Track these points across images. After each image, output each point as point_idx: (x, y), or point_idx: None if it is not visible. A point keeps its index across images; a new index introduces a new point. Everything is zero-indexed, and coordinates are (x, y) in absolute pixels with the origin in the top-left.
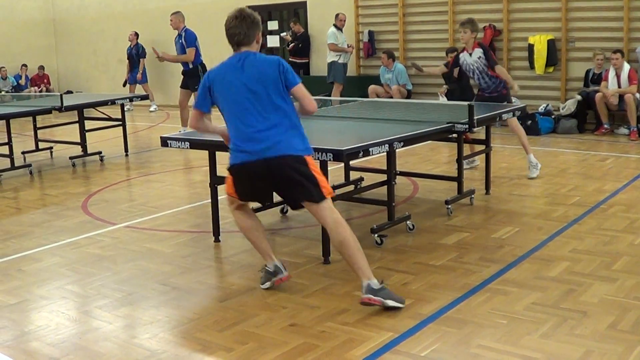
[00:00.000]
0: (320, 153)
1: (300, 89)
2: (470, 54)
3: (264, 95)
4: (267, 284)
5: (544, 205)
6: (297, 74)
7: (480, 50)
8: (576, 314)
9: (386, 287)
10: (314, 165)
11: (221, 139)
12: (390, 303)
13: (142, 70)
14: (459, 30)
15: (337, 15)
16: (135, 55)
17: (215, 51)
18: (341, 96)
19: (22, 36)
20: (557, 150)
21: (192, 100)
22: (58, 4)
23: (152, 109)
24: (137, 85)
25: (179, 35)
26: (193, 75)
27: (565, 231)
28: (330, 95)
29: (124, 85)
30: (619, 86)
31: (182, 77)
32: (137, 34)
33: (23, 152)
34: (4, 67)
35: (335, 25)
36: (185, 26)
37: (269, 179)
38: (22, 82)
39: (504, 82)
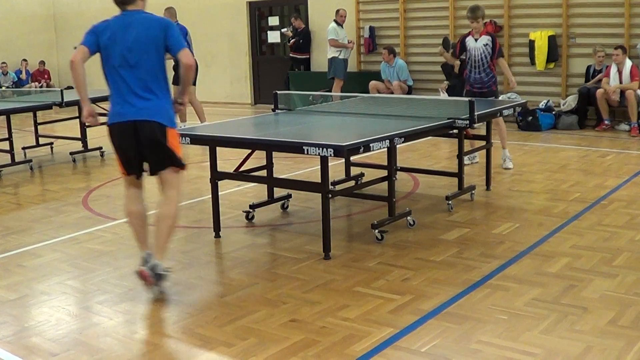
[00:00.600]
0: (321, 149)
1: (184, 52)
2: (476, 40)
3: (145, 59)
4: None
5: (545, 201)
6: (296, 69)
7: (489, 38)
8: (577, 309)
9: (167, 275)
10: (177, 138)
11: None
12: (155, 290)
13: None
14: (472, 19)
15: (337, 11)
16: None
17: (214, 47)
18: (342, 92)
19: (23, 31)
20: (557, 147)
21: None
22: (58, 0)
23: None
24: None
25: None
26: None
27: (566, 227)
28: (330, 91)
29: None
30: (621, 82)
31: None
32: None
33: (23, 148)
34: (4, 63)
35: (335, 21)
36: (177, 21)
37: (136, 143)
38: (23, 77)
39: (495, 78)
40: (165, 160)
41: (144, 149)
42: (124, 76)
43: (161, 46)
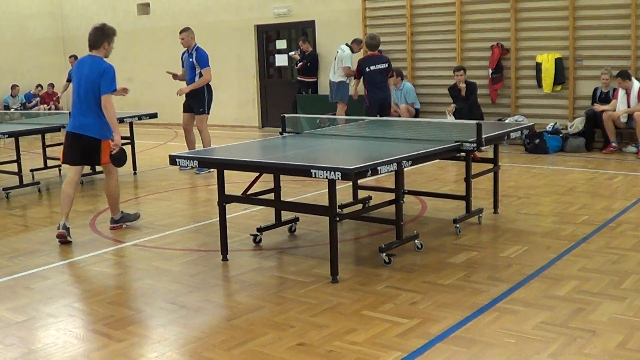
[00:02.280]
0: (328, 172)
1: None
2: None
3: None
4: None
5: (553, 224)
6: (303, 92)
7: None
8: (585, 333)
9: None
10: (106, 146)
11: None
12: (128, 224)
13: None
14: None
15: (359, 41)
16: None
17: (222, 70)
18: (348, 115)
19: (33, 54)
20: (565, 169)
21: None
22: (67, 23)
23: None
24: None
25: (190, 54)
26: (198, 97)
27: (574, 250)
28: (335, 114)
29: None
30: (629, 105)
31: (184, 98)
32: (75, 57)
33: (32, 170)
34: (17, 86)
35: (351, 48)
36: (196, 44)
37: (76, 146)
38: (35, 102)
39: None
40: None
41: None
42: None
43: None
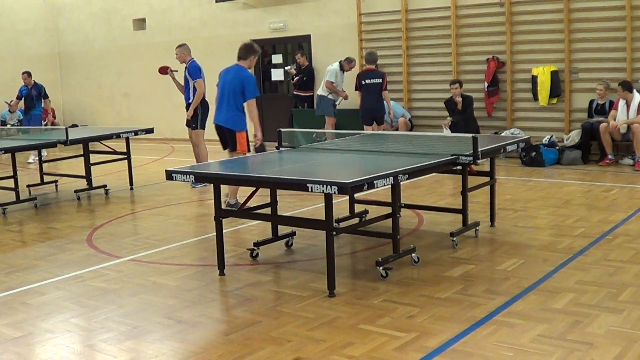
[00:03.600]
0: (325, 186)
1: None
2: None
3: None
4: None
5: (549, 236)
6: (299, 106)
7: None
8: (582, 345)
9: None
10: (240, 137)
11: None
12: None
13: (50, 112)
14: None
15: (350, 60)
16: (36, 96)
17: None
18: (344, 129)
19: (28, 69)
20: (561, 182)
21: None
22: (63, 38)
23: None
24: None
25: (185, 69)
26: (192, 117)
27: (571, 262)
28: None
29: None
30: (628, 116)
31: (183, 114)
32: (28, 73)
33: (28, 186)
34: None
35: (342, 66)
36: (192, 58)
37: (221, 135)
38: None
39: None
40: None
41: None
42: None
43: None
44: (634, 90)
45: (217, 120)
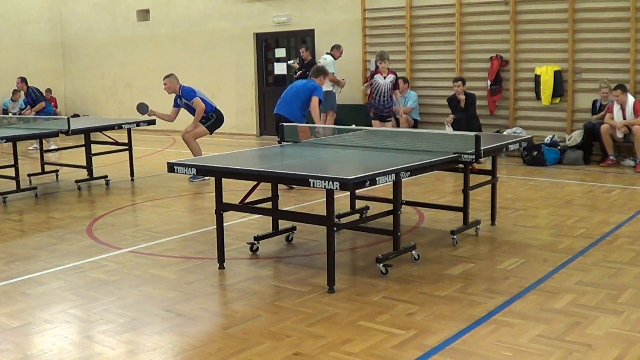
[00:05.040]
0: (327, 182)
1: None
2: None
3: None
4: None
5: (550, 236)
6: None
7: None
8: (581, 346)
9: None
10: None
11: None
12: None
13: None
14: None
15: (338, 46)
16: (32, 103)
17: (221, 78)
18: (346, 125)
19: (31, 59)
20: (562, 182)
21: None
22: (67, 28)
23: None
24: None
25: (180, 97)
26: (207, 120)
27: (571, 263)
28: (335, 123)
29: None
30: (624, 118)
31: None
32: (22, 79)
33: (29, 175)
34: (19, 91)
35: (332, 55)
36: (181, 85)
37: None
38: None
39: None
40: None
41: None
42: None
43: None
44: (628, 94)
45: (277, 110)
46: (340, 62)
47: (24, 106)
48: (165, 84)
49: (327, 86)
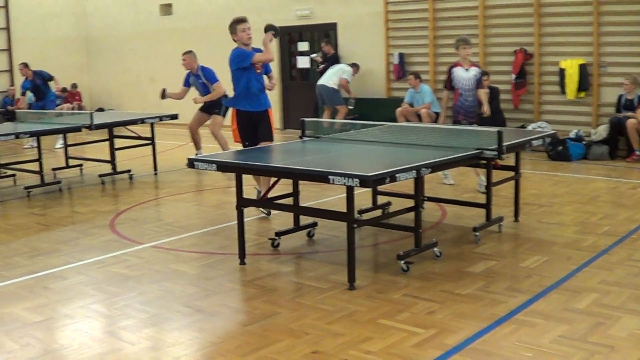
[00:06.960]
0: (346, 178)
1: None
2: (467, 70)
3: None
4: None
5: (574, 234)
6: None
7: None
8: (604, 348)
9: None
10: None
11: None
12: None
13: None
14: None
15: (357, 66)
16: (42, 84)
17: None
18: (369, 120)
19: (55, 54)
20: (587, 177)
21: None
22: (91, 22)
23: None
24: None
25: (196, 76)
26: (216, 102)
27: (595, 261)
28: (357, 118)
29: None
30: None
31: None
32: (25, 64)
33: (53, 169)
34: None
35: (351, 68)
36: (200, 65)
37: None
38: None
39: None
40: None
41: None
42: None
43: None
44: None
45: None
46: (363, 56)
47: (31, 101)
48: (184, 59)
49: (334, 85)
